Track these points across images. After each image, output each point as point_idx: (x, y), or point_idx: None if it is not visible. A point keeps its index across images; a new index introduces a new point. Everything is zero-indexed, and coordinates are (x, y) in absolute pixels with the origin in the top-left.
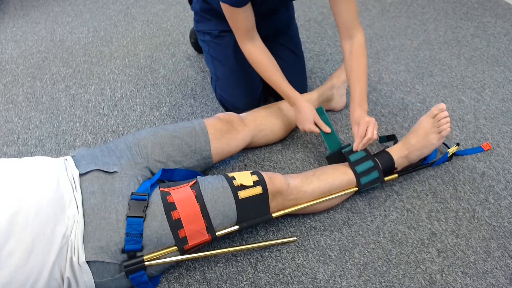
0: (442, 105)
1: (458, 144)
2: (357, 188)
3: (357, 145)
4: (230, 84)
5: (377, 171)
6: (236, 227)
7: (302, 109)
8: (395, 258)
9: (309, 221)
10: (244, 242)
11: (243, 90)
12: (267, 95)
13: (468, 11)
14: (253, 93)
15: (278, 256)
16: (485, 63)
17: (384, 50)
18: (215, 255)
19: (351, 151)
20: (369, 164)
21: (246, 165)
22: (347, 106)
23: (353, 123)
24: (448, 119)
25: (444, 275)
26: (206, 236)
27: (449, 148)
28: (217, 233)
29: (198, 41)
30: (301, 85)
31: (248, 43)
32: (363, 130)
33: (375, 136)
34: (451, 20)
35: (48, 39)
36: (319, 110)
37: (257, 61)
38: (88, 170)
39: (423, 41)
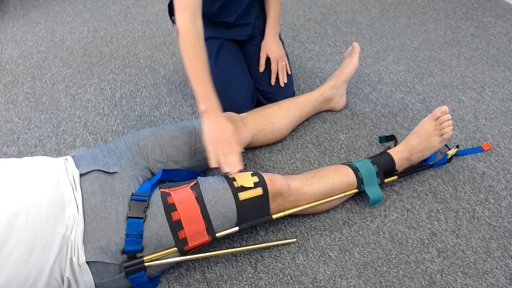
0: (445, 108)
1: (457, 146)
2: (357, 190)
3: (273, 82)
4: (218, 94)
5: (379, 179)
6: (236, 228)
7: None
8: (395, 258)
9: (309, 221)
10: (244, 242)
11: (233, 95)
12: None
13: (468, 11)
14: (243, 97)
15: (278, 256)
16: (485, 63)
17: (384, 50)
18: (215, 256)
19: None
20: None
21: (246, 165)
22: (347, 106)
23: (263, 46)
24: (450, 122)
25: (444, 275)
26: (206, 237)
27: (449, 148)
28: (217, 234)
29: None
30: (287, 89)
31: (187, 16)
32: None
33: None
34: (451, 20)
35: (48, 39)
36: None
37: (191, 43)
38: (88, 170)
39: (423, 41)
